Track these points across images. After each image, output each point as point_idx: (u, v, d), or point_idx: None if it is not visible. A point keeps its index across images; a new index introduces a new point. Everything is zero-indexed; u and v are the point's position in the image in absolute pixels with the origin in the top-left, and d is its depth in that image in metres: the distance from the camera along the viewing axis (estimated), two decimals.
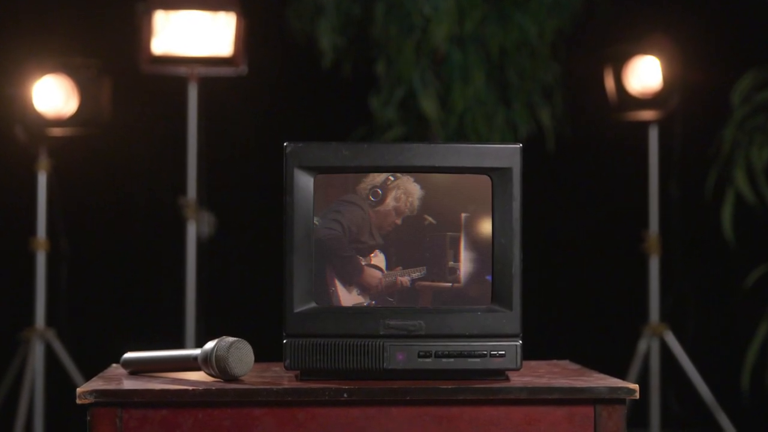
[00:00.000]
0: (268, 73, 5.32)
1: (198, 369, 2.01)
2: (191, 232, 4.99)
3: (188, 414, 1.88)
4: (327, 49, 4.90)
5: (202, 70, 4.98)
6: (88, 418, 1.88)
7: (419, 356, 1.95)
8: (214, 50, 4.93)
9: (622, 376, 4.59)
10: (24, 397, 4.77)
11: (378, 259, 1.96)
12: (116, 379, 2.02)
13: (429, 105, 4.75)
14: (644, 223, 5.07)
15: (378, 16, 4.80)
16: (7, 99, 4.82)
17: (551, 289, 5.39)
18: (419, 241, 1.97)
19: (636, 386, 1.92)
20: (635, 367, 4.92)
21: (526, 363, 2.13)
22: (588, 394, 1.91)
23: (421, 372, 1.95)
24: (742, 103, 4.50)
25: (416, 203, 1.97)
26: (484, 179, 1.97)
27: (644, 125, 5.09)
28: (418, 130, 4.86)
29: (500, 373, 1.98)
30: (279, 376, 2.02)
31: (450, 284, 1.97)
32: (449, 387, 1.90)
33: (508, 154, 1.97)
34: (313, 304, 1.96)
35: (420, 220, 1.97)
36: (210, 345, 1.97)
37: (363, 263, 1.97)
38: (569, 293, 5.46)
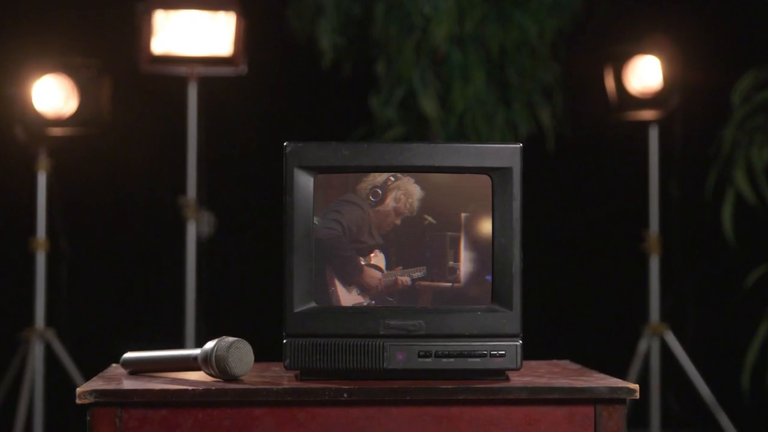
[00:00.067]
0: (268, 73, 5.32)
1: (198, 369, 2.00)
2: (191, 231, 4.99)
3: (188, 414, 1.88)
4: (327, 48, 4.89)
5: (202, 70, 4.98)
6: (88, 418, 1.88)
7: (419, 356, 1.95)
8: (214, 50, 4.92)
9: (623, 376, 4.59)
10: (24, 397, 4.77)
11: (378, 258, 1.96)
12: (116, 379, 2.02)
13: (429, 105, 4.75)
14: (644, 222, 5.07)
15: (378, 16, 4.80)
16: (7, 99, 4.82)
17: (551, 288, 5.39)
18: (419, 240, 1.96)
19: (636, 386, 1.91)
20: (635, 367, 4.92)
21: (526, 363, 2.13)
22: (588, 394, 1.91)
23: (421, 372, 1.95)
24: (743, 102, 4.50)
25: (416, 204, 1.97)
26: (484, 179, 1.97)
27: (644, 125, 5.09)
28: (418, 130, 4.86)
29: (500, 373, 1.98)
30: (279, 376, 2.02)
31: (450, 284, 1.97)
32: (449, 387, 1.90)
33: (508, 153, 1.97)
34: (313, 304, 1.96)
35: (420, 221, 1.97)
36: (210, 345, 1.97)
37: (363, 263, 1.96)
38: (569, 293, 5.46)
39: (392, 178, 1.97)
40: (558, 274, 5.44)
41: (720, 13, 5.31)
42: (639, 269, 5.11)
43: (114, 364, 2.23)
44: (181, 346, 4.82)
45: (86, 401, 1.87)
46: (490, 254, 1.96)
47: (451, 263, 1.97)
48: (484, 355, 1.95)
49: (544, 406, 1.91)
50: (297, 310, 1.95)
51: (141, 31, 4.88)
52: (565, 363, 2.26)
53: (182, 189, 5.01)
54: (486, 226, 1.97)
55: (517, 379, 1.97)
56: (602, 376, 2.03)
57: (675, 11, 5.30)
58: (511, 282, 1.96)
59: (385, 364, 1.94)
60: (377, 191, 1.97)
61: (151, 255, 5.45)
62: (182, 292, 4.97)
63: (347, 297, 1.97)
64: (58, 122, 4.81)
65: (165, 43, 4.89)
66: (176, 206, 5.04)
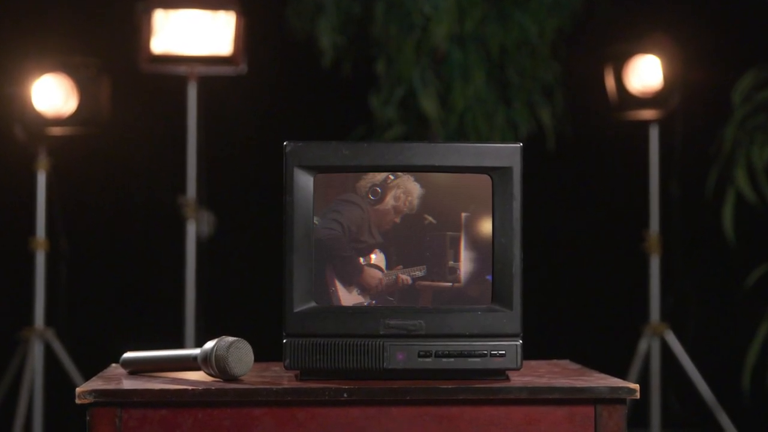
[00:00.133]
0: (268, 72, 5.31)
1: (198, 369, 2.00)
2: (191, 231, 4.98)
3: (188, 414, 1.88)
4: (327, 48, 4.89)
5: (202, 69, 4.97)
6: (88, 418, 1.87)
7: (419, 356, 1.95)
8: (214, 49, 4.92)
9: (623, 375, 4.59)
10: (23, 397, 4.76)
11: (378, 258, 1.96)
12: (116, 378, 2.02)
13: (429, 104, 4.75)
14: (645, 222, 5.07)
15: (378, 15, 4.80)
16: (7, 98, 4.82)
17: (552, 288, 5.39)
18: (419, 240, 1.96)
19: (636, 386, 1.91)
20: (636, 367, 4.92)
21: (526, 363, 2.13)
22: (588, 394, 1.90)
23: (421, 372, 1.95)
24: (743, 102, 4.49)
25: (416, 202, 1.97)
26: (485, 178, 1.97)
27: (645, 124, 5.08)
28: (418, 130, 4.85)
29: (500, 373, 1.98)
30: (279, 376, 2.01)
31: (450, 284, 1.96)
32: (449, 387, 1.89)
33: (508, 153, 1.97)
34: (312, 304, 1.96)
35: (420, 219, 1.96)
36: (209, 345, 1.97)
37: (363, 263, 1.96)
38: (570, 293, 5.46)
39: (391, 177, 1.97)
40: (558, 273, 5.43)
41: (720, 12, 5.31)
42: (639, 269, 5.11)
43: (113, 364, 2.22)
44: (181, 346, 4.82)
45: (86, 401, 1.86)
46: (491, 254, 1.96)
47: (451, 263, 1.96)
48: (485, 355, 1.95)
49: (544, 406, 1.91)
50: (297, 309, 1.95)
51: (141, 30, 4.87)
52: (566, 363, 2.26)
53: (182, 188, 5.01)
54: (486, 226, 1.97)
55: (517, 379, 1.96)
56: (602, 376, 2.03)
57: (675, 11, 5.30)
58: (512, 282, 1.96)
59: (385, 364, 1.94)
60: (376, 190, 1.97)
61: (151, 255, 5.45)
62: (182, 292, 4.97)
63: (347, 297, 1.96)
64: (58, 122, 4.81)
65: (165, 42, 4.89)
66: (176, 206, 5.03)
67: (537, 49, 4.92)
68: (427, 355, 1.95)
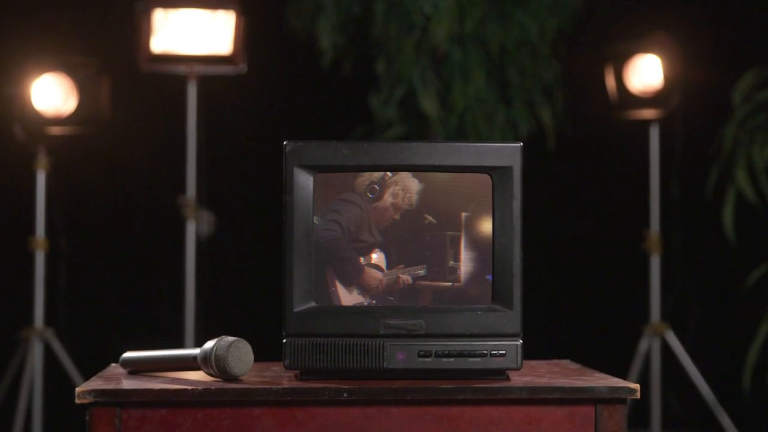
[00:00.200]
0: (268, 72, 5.31)
1: (197, 369, 2.00)
2: (191, 231, 4.98)
3: (187, 414, 1.87)
4: (327, 47, 4.89)
5: (202, 69, 4.97)
6: (87, 417, 1.87)
7: (419, 356, 1.94)
8: (214, 49, 4.92)
9: (623, 375, 4.58)
10: (23, 397, 4.76)
11: (378, 258, 1.96)
12: (115, 378, 2.01)
13: (429, 104, 4.75)
14: (645, 222, 5.07)
15: (378, 15, 4.79)
16: (6, 98, 4.81)
17: (552, 288, 5.38)
18: (419, 239, 1.96)
19: (637, 386, 1.91)
20: (636, 367, 4.92)
21: (526, 362, 2.13)
22: (589, 394, 1.90)
23: (421, 372, 1.95)
24: (743, 102, 4.49)
25: (414, 198, 1.96)
26: (485, 178, 1.96)
27: (645, 124, 5.08)
28: (418, 129, 4.85)
29: (501, 373, 1.97)
30: (279, 376, 2.01)
31: (450, 284, 1.96)
32: (449, 387, 1.89)
33: (508, 153, 1.97)
34: (312, 304, 1.95)
35: (419, 218, 1.96)
36: (209, 344, 1.96)
37: (363, 263, 1.96)
38: (570, 292, 5.45)
39: (389, 174, 1.97)
40: (558, 273, 5.43)
41: (721, 12, 5.31)
42: (640, 269, 5.10)
43: (113, 364, 2.22)
44: (181, 346, 4.82)
45: (85, 401, 1.86)
46: (491, 254, 1.96)
47: (451, 263, 1.96)
48: (485, 355, 1.94)
49: (544, 406, 1.90)
50: (297, 309, 1.95)
51: (140, 29, 4.87)
52: (566, 363, 2.25)
53: (182, 188, 5.00)
54: (486, 226, 1.96)
55: (517, 379, 1.96)
56: (603, 375, 2.02)
57: (675, 10, 5.29)
58: (512, 281, 1.95)
59: (385, 363, 1.94)
60: (374, 187, 1.96)
61: (151, 254, 5.45)
62: (182, 292, 4.97)
63: (347, 296, 1.96)
64: (57, 121, 4.80)
65: (164, 41, 4.89)
66: (176, 205, 5.03)
67: (537, 48, 4.92)
68: (427, 354, 1.94)
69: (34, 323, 4.87)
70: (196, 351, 1.99)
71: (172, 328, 5.09)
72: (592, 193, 5.49)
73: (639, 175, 5.10)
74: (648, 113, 5.04)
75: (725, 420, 4.83)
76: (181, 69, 4.97)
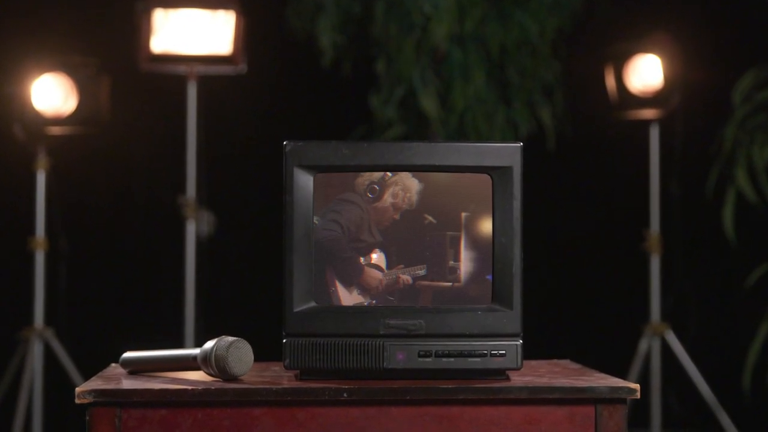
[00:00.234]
0: (268, 72, 5.31)
1: (197, 368, 2.00)
2: (191, 231, 4.98)
3: (187, 414, 1.87)
4: (327, 47, 4.89)
5: (202, 69, 4.97)
6: (87, 417, 1.87)
7: (419, 356, 1.94)
8: (214, 49, 4.92)
9: (623, 375, 4.58)
10: (23, 397, 4.76)
11: (378, 258, 1.96)
12: (115, 378, 2.01)
13: (429, 104, 4.74)
14: (645, 222, 5.07)
15: (378, 15, 4.79)
16: (6, 97, 4.81)
17: (552, 288, 5.38)
18: (419, 239, 1.96)
19: (637, 386, 1.91)
20: (636, 367, 4.91)
21: (526, 362, 2.12)
22: (589, 394, 1.90)
23: (421, 371, 1.94)
24: (743, 101, 4.49)
25: (414, 198, 1.96)
26: (485, 178, 1.96)
27: (645, 124, 5.08)
28: (419, 129, 4.85)
29: (501, 373, 1.97)
30: (278, 376, 2.01)
31: (450, 283, 1.96)
32: (449, 387, 1.89)
33: (508, 152, 1.97)
34: (312, 304, 1.95)
35: (420, 218, 1.96)
36: (209, 344, 1.96)
37: (363, 263, 1.96)
38: (570, 292, 5.45)
39: (389, 174, 1.96)
40: (558, 273, 5.43)
41: (721, 11, 5.31)
42: (640, 269, 5.10)
43: (113, 364, 2.22)
44: (181, 346, 4.82)
45: (85, 401, 1.86)
46: (491, 254, 1.96)
47: (451, 263, 1.96)
48: (485, 355, 1.94)
49: (544, 406, 1.90)
50: (297, 309, 1.95)
51: (140, 29, 4.87)
52: (566, 363, 2.25)
53: (182, 188, 5.00)
54: (486, 226, 1.96)
55: (517, 379, 1.96)
56: (603, 375, 2.02)
57: (675, 10, 5.29)
58: (512, 281, 1.95)
59: (385, 363, 1.94)
60: (374, 187, 1.96)
61: (151, 254, 5.45)
62: (182, 292, 4.96)
63: (347, 296, 1.96)
64: (57, 121, 4.80)
65: (164, 41, 4.88)
66: (176, 205, 5.03)
67: (537, 48, 4.92)
68: (427, 354, 1.94)
69: (34, 323, 4.87)
70: (196, 351, 1.99)
71: (172, 328, 5.09)
72: (592, 193, 5.49)
73: (639, 175, 5.09)
74: (648, 113, 5.04)
75: (725, 420, 4.83)
76: (181, 69, 4.97)
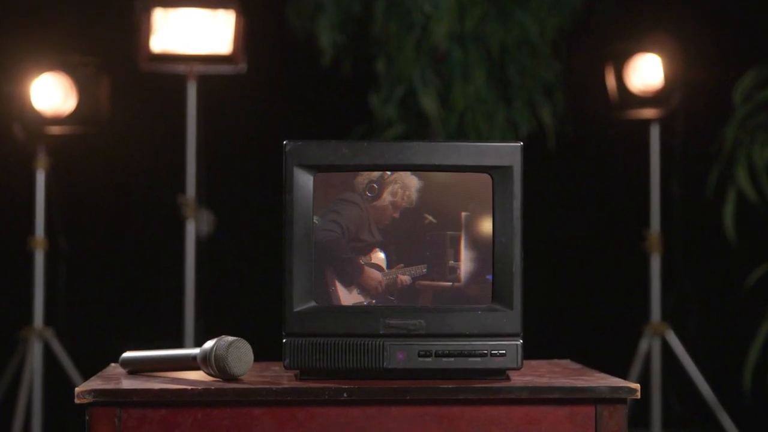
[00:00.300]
0: (268, 71, 5.31)
1: (197, 368, 1.99)
2: (190, 230, 4.98)
3: (187, 414, 1.87)
4: (327, 46, 4.88)
5: (201, 68, 4.96)
6: (87, 417, 1.87)
7: (419, 355, 1.94)
8: (214, 48, 4.91)
9: (624, 375, 4.58)
10: (22, 397, 4.76)
11: (378, 257, 1.95)
12: (115, 378, 2.01)
13: (429, 103, 4.74)
14: (645, 221, 5.06)
15: (378, 14, 4.79)
16: (6, 97, 4.81)
17: (552, 288, 5.38)
18: (419, 239, 1.95)
19: (637, 386, 1.90)
20: (636, 367, 4.91)
21: (526, 362, 2.12)
22: (589, 394, 1.90)
23: (421, 371, 1.94)
24: (744, 101, 4.49)
25: (414, 195, 1.96)
26: (485, 178, 1.96)
27: (645, 123, 5.08)
28: (419, 128, 4.85)
29: (501, 373, 1.97)
30: (278, 376, 2.01)
31: (450, 283, 1.96)
32: (450, 386, 1.89)
33: (508, 152, 1.96)
34: (312, 303, 1.95)
35: (419, 217, 1.96)
36: (209, 344, 1.96)
37: (363, 263, 1.95)
38: (570, 292, 5.45)
39: (388, 172, 1.96)
40: (559, 273, 5.43)
41: (721, 11, 5.31)
42: (640, 268, 5.10)
43: (113, 364, 2.22)
44: (180, 346, 4.81)
45: (85, 401, 1.86)
46: (491, 253, 1.95)
47: (451, 262, 1.96)
48: (485, 355, 1.94)
49: (544, 406, 1.90)
50: (297, 309, 1.94)
51: (140, 29, 4.86)
52: (566, 362, 2.25)
53: (181, 188, 5.00)
54: (486, 225, 1.96)
55: (517, 379, 1.96)
56: (603, 375, 2.02)
57: (676, 9, 5.29)
58: (512, 281, 1.95)
59: (385, 363, 1.93)
60: (373, 186, 1.96)
61: (150, 254, 5.45)
62: (181, 291, 4.96)
63: (347, 296, 1.96)
64: (57, 120, 4.80)
65: (164, 41, 4.88)
66: (175, 205, 5.03)
67: (537, 48, 4.92)
68: (427, 354, 1.94)
69: (34, 323, 4.87)
70: (196, 351, 1.99)
71: (171, 328, 5.09)
72: (592, 192, 5.49)
73: (639, 175, 5.09)
74: (648, 113, 5.04)
75: (726, 420, 4.83)
76: (181, 68, 4.96)
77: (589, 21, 5.12)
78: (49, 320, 4.93)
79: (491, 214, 1.96)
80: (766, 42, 4.98)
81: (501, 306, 1.95)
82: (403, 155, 1.96)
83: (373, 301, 1.95)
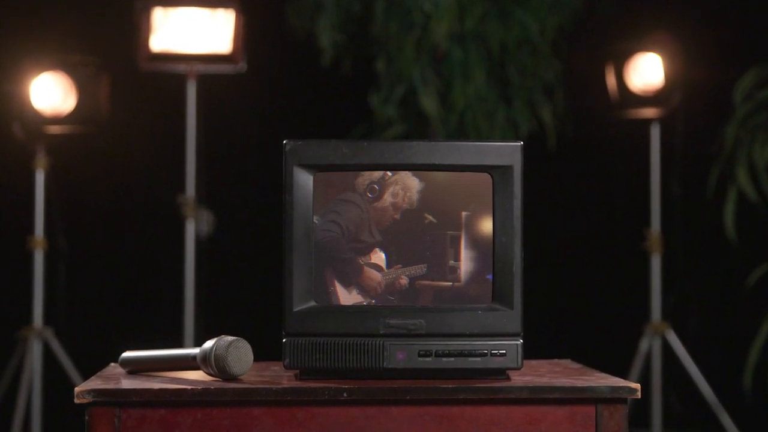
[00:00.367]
0: (268, 71, 5.30)
1: (197, 368, 1.99)
2: (190, 230, 4.97)
3: (187, 413, 1.87)
4: (327, 46, 4.88)
5: (201, 68, 4.96)
6: (86, 417, 1.86)
7: (419, 355, 1.94)
8: (213, 47, 4.91)
9: (624, 375, 4.58)
10: (22, 397, 4.75)
11: (378, 257, 1.95)
12: (114, 378, 2.01)
13: (429, 102, 4.74)
14: (646, 221, 5.06)
15: (378, 13, 4.79)
16: (5, 96, 4.81)
17: (552, 287, 5.38)
18: (419, 239, 1.95)
19: (638, 385, 1.90)
20: (637, 367, 4.91)
21: (527, 362, 2.12)
22: (589, 394, 1.89)
23: (421, 371, 1.94)
24: (744, 100, 4.49)
25: (415, 197, 1.96)
26: (485, 177, 1.96)
27: (646, 123, 5.08)
28: (419, 128, 4.84)
29: (501, 373, 1.97)
30: (278, 376, 2.00)
31: (450, 283, 1.95)
32: (450, 386, 1.88)
33: (508, 151, 1.96)
34: (312, 303, 1.95)
35: (420, 217, 1.95)
36: (209, 344, 1.96)
37: (362, 263, 1.95)
38: (570, 292, 5.45)
39: (389, 173, 1.96)
40: (559, 272, 5.42)
41: (722, 10, 5.30)
42: (640, 268, 5.10)
43: (112, 364, 2.21)
44: (180, 346, 4.81)
45: (84, 401, 1.85)
46: (491, 253, 1.95)
47: (451, 262, 1.95)
48: (485, 355, 1.94)
49: (545, 406, 1.90)
50: (296, 309, 1.94)
51: (140, 28, 4.86)
52: (566, 362, 2.25)
53: (181, 187, 5.00)
54: (486, 225, 1.96)
55: (517, 379, 1.95)
56: (603, 375, 2.02)
57: (676, 9, 5.29)
58: (512, 281, 1.95)
59: (385, 363, 1.93)
60: (374, 187, 1.96)
61: (150, 254, 5.44)
62: (181, 291, 4.96)
63: (347, 296, 1.95)
64: (56, 120, 4.80)
65: (164, 40, 4.88)
66: (175, 205, 5.02)
67: (538, 47, 4.91)
68: (427, 354, 1.94)
69: (33, 323, 4.87)
70: (196, 351, 1.98)
71: (171, 327, 5.09)
72: (592, 192, 5.48)
73: (639, 175, 5.09)
74: (649, 112, 5.04)
75: (726, 420, 4.83)
76: (181, 68, 4.96)
77: (589, 20, 5.12)
78: (48, 320, 4.93)
79: (491, 214, 1.95)
80: (766, 42, 4.98)
81: (501, 306, 1.95)
82: (403, 155, 1.95)
83: (373, 301, 1.95)
